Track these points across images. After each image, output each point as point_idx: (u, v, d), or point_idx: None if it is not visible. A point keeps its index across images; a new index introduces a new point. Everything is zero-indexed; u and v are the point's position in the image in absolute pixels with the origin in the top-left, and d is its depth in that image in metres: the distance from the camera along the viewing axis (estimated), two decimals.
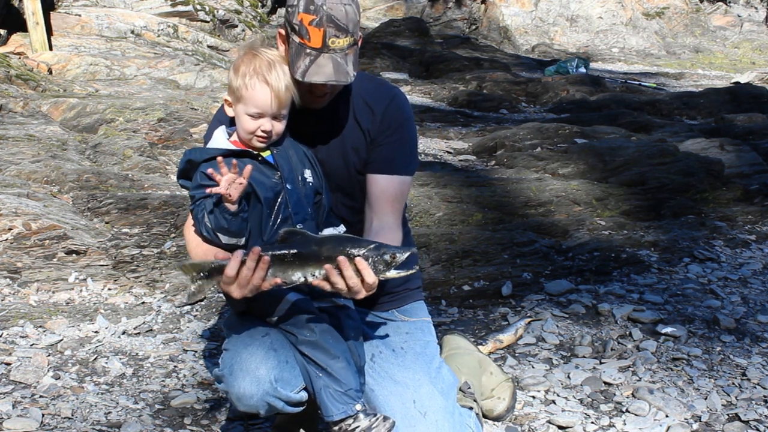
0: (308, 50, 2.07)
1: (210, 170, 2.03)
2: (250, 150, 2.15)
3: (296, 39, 2.09)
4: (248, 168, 2.04)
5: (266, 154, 2.17)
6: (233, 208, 2.04)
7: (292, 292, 2.11)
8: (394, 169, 2.31)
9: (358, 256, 1.91)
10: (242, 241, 2.10)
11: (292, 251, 1.94)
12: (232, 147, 2.15)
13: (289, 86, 2.12)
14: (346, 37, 2.07)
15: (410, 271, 1.98)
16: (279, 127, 2.14)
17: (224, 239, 2.08)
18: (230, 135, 2.19)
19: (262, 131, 2.11)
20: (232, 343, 2.18)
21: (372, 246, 1.93)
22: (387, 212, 2.31)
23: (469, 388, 2.54)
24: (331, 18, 2.04)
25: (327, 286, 1.96)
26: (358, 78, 2.28)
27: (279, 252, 1.94)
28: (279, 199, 2.13)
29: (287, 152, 2.20)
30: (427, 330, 2.48)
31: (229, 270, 1.94)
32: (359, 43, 2.18)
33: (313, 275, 1.93)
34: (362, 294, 1.97)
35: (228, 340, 2.21)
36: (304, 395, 2.14)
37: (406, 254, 1.94)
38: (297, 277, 1.94)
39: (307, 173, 2.21)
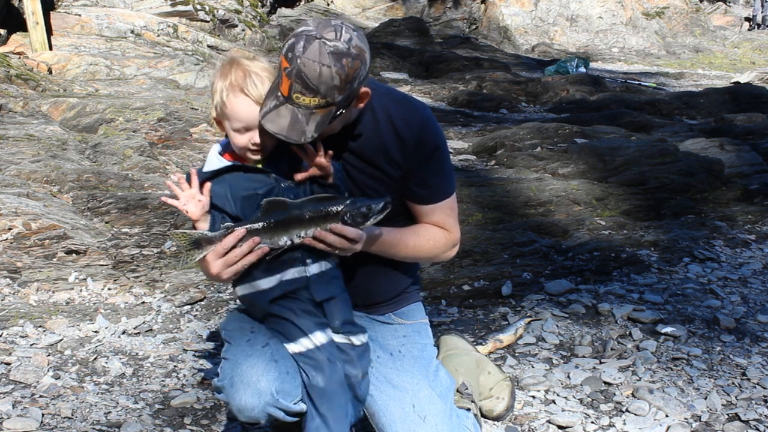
0: (278, 93, 1.96)
1: (169, 182, 2.05)
2: (236, 163, 2.10)
3: (277, 78, 2.00)
4: (207, 186, 2.04)
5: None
6: (200, 226, 2.04)
7: (313, 327, 2.10)
8: (440, 196, 2.29)
9: (337, 212, 2.00)
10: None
11: (275, 219, 2.01)
12: (221, 164, 2.10)
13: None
14: (314, 98, 1.93)
15: (384, 213, 2.05)
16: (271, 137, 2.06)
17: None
18: (223, 149, 2.15)
19: (253, 144, 2.05)
20: (231, 353, 2.16)
21: (348, 202, 2.02)
22: (446, 230, 2.34)
23: (467, 389, 2.54)
24: (301, 74, 1.91)
25: (317, 244, 2.02)
26: (383, 97, 2.20)
27: (264, 222, 2.02)
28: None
29: (287, 150, 2.13)
30: (424, 332, 2.47)
31: (227, 242, 1.99)
32: (351, 104, 2.02)
33: (299, 236, 2.02)
34: (355, 248, 2.04)
35: (227, 348, 2.19)
36: (303, 406, 2.14)
37: (381, 204, 2.03)
38: (283, 241, 2.02)
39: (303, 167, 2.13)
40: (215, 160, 2.13)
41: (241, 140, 2.05)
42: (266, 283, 2.10)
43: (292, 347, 2.11)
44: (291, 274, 2.09)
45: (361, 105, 2.10)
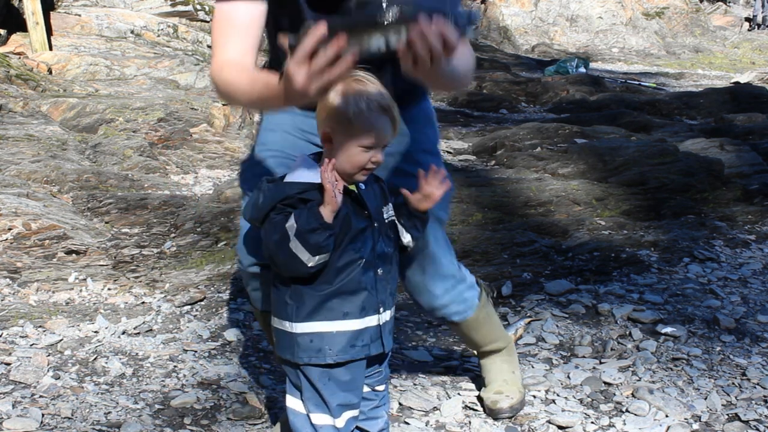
0: None
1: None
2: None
3: None
4: (340, 181, 1.91)
5: (352, 186, 1.98)
6: (329, 218, 1.87)
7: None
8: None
9: (430, 14, 1.67)
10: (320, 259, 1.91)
11: (359, 19, 1.73)
12: (312, 178, 1.94)
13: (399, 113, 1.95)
14: None
15: (476, 24, 1.78)
16: (382, 157, 1.97)
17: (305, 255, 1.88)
18: (316, 165, 1.98)
19: (373, 163, 1.93)
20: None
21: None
22: None
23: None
24: None
25: (407, 52, 1.68)
26: None
27: (354, 20, 1.73)
28: (364, 235, 1.97)
29: (373, 185, 2.03)
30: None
31: (307, 43, 1.61)
32: None
33: (396, 39, 1.67)
34: (443, 59, 1.69)
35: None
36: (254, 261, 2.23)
37: (475, 14, 1.76)
38: (375, 43, 1.66)
39: (388, 209, 2.05)
40: (310, 176, 1.95)
41: (362, 158, 1.91)
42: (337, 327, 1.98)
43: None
44: (367, 322, 1.98)
45: None
